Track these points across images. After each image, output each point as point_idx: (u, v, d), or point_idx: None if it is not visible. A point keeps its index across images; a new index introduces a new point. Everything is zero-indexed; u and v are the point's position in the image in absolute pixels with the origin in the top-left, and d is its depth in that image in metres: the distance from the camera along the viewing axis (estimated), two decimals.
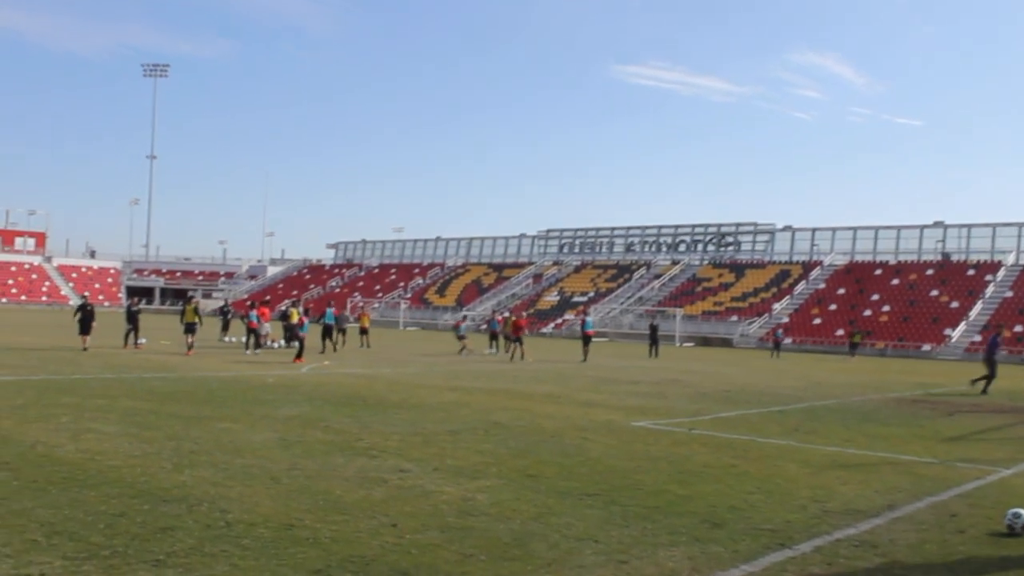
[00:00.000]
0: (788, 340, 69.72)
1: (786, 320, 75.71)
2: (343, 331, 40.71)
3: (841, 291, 79.78)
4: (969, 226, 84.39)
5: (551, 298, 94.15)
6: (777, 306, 79.28)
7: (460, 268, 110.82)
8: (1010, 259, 78.64)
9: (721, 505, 9.81)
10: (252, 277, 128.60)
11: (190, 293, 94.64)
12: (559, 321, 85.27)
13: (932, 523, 9.35)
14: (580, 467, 11.84)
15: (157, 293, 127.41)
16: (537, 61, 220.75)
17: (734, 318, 78.74)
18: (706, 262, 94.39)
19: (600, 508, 9.41)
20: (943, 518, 9.62)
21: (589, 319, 43.80)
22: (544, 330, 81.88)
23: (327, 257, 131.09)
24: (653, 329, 50.46)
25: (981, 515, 9.84)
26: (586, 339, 41.99)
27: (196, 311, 33.76)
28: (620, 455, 13.00)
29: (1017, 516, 9.05)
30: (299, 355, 31.75)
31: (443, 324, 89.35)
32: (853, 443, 15.40)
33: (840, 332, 69.99)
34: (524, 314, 43.47)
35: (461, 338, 42.23)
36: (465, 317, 52.05)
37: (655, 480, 11.10)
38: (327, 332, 38.97)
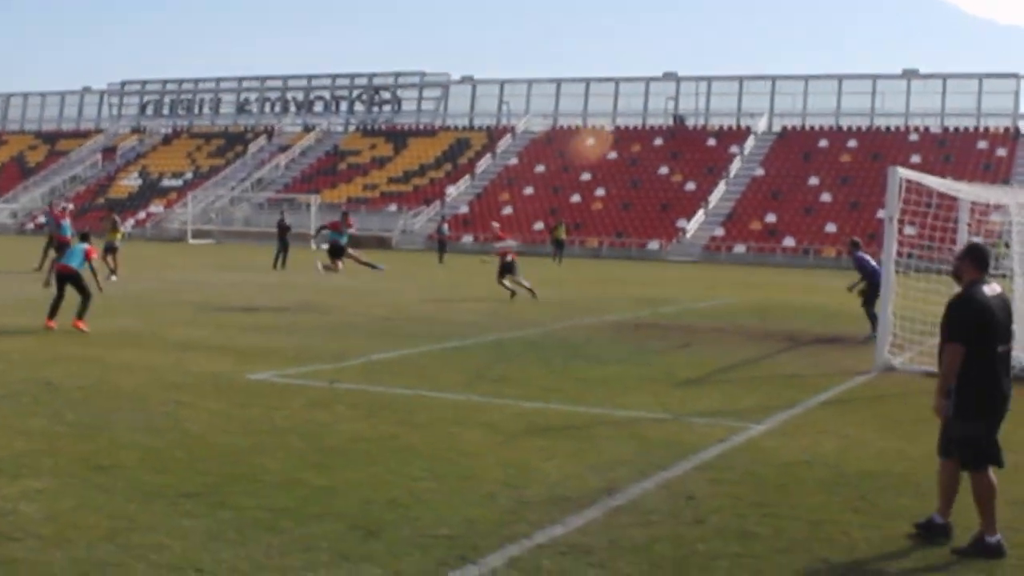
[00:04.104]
0: (468, 238, 71.26)
1: (465, 210, 77.28)
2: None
3: (540, 168, 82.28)
4: (709, 79, 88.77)
5: (130, 182, 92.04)
6: (452, 190, 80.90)
7: None
8: (761, 125, 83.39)
9: (378, 500, 9.84)
10: None
11: None
12: (142, 215, 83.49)
13: (664, 512, 9.73)
14: (174, 450, 11.57)
15: None
16: None
17: (392, 207, 79.70)
18: (353, 129, 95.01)
19: (205, 515, 9.20)
20: (678, 504, 10.05)
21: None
22: (125, 228, 79.88)
23: None
24: (283, 228, 50.07)
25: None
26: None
27: None
28: (232, 428, 12.85)
29: None
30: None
31: None
32: (559, 393, 15.92)
33: (539, 226, 72.16)
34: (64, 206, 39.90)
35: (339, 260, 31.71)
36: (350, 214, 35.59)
37: (283, 466, 11.01)
38: None
